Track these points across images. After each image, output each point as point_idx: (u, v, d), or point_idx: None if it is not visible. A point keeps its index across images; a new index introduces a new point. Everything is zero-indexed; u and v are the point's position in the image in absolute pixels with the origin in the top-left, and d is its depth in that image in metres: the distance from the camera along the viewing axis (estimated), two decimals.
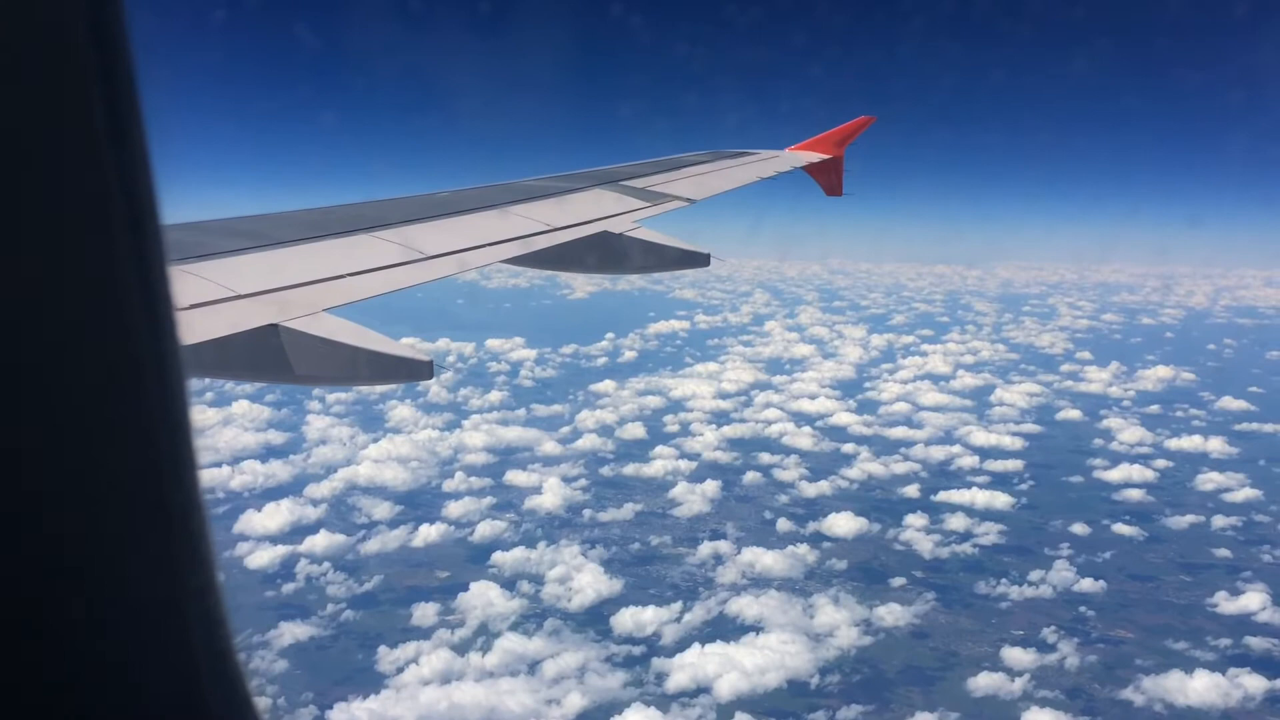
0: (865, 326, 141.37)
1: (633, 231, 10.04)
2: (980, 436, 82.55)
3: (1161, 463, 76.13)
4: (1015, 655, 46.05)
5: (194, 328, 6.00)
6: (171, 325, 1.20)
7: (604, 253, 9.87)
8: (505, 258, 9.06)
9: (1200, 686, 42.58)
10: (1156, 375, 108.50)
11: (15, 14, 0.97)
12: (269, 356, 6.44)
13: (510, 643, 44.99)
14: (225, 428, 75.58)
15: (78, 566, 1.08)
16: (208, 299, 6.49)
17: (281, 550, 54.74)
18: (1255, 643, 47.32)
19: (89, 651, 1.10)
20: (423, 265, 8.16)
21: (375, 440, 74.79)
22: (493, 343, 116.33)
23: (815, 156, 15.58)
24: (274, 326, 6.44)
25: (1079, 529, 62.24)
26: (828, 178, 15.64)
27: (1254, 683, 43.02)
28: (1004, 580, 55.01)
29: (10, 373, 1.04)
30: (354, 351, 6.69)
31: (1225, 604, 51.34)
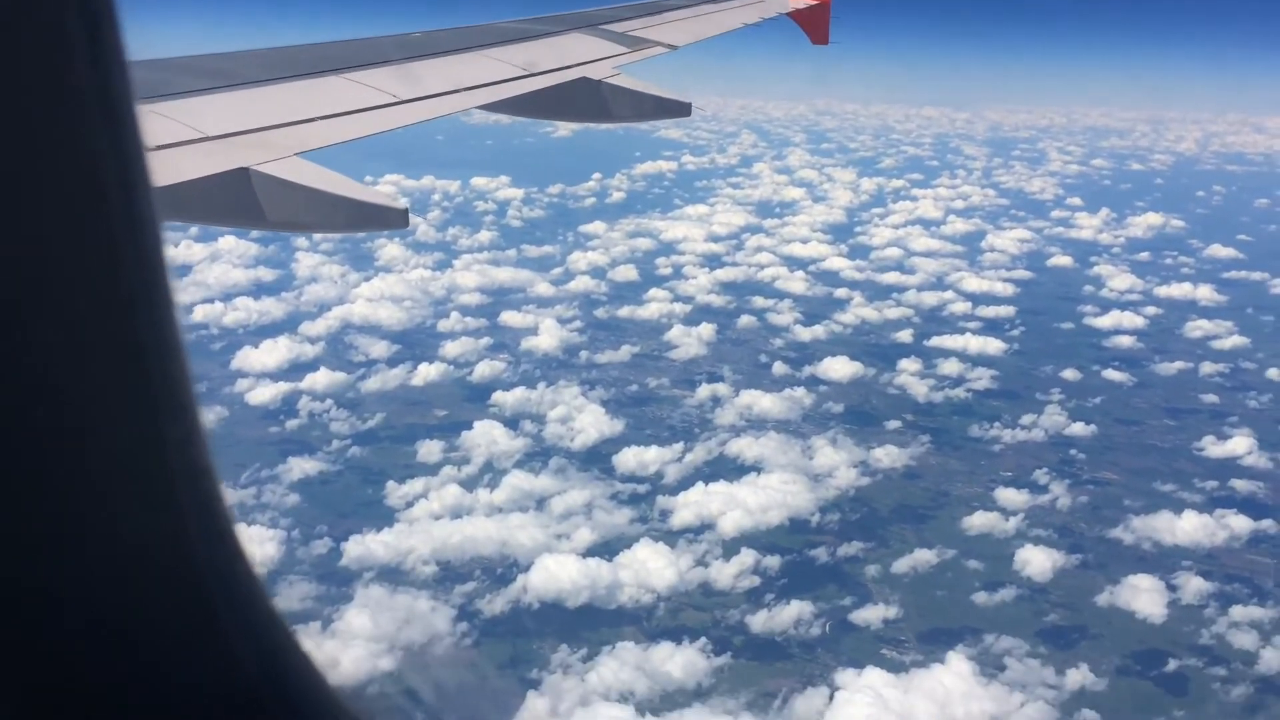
0: (854, 170, 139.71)
1: (612, 79, 9.59)
2: (972, 282, 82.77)
3: (1151, 310, 76.84)
4: (1009, 495, 47.24)
5: (161, 170, 5.66)
6: (139, 148, 1.10)
7: (582, 101, 9.52)
8: (481, 103, 8.77)
9: (1188, 527, 43.99)
10: (1146, 222, 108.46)
11: None
12: (240, 201, 6.20)
13: (517, 480, 45.60)
14: (213, 264, 74.51)
15: (49, 421, 1.05)
16: (175, 140, 6.19)
17: (283, 387, 54.70)
18: (1241, 485, 48.74)
19: (68, 507, 1.09)
20: (396, 109, 7.86)
21: (367, 279, 74.08)
22: (478, 181, 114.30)
23: (801, 1, 14.78)
24: (244, 171, 6.18)
25: (1069, 374, 63.12)
26: (814, 24, 14.84)
27: (1240, 523, 44.47)
28: (996, 424, 56.00)
29: None
30: (328, 198, 6.48)
31: (1212, 448, 52.61)
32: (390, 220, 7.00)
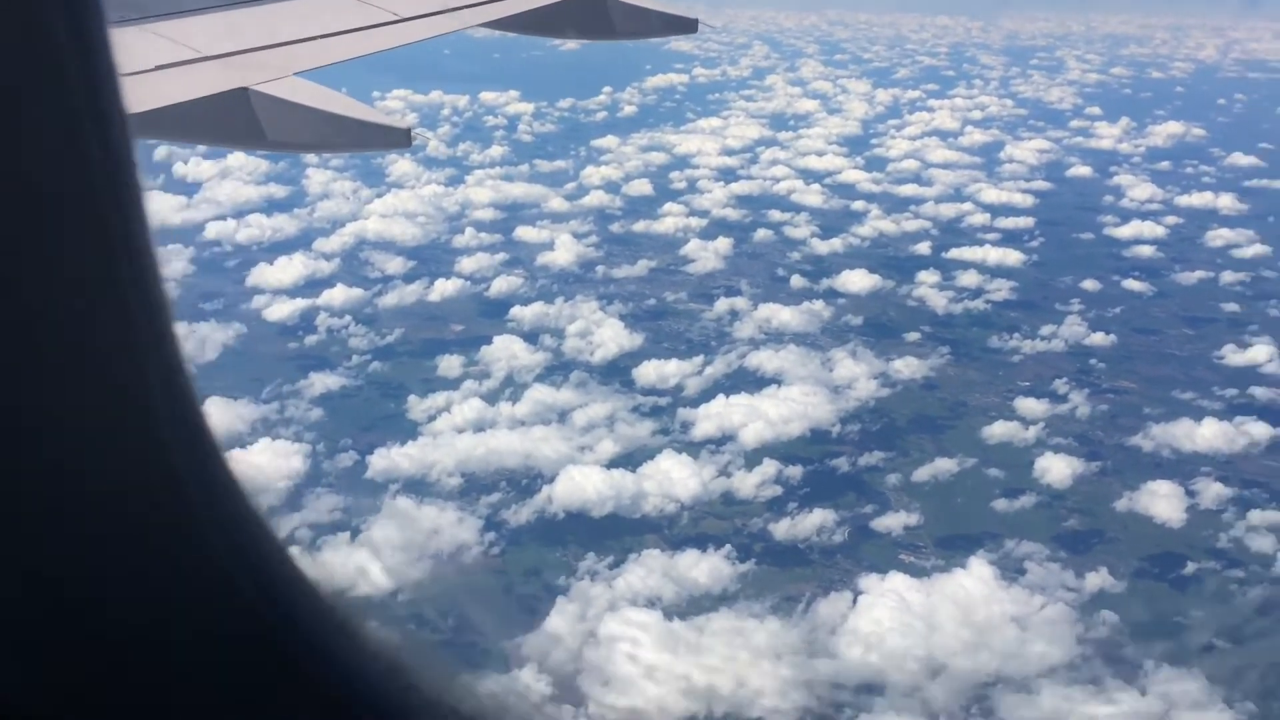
0: (869, 81, 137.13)
1: None
2: (990, 194, 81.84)
3: (1171, 219, 75.99)
4: (1028, 405, 47.32)
5: (158, 91, 5.68)
6: (113, 77, 1.13)
7: (587, 17, 9.36)
8: (484, 20, 8.62)
9: (1207, 434, 44.10)
10: (1166, 131, 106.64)
11: None
12: (239, 122, 6.13)
13: (538, 393, 45.81)
14: (223, 181, 74.06)
15: (14, 317, 1.06)
16: (171, 60, 6.09)
17: (300, 303, 54.73)
18: (1260, 393, 48.71)
19: (37, 412, 1.09)
20: (396, 28, 7.71)
21: (379, 195, 73.64)
22: (487, 96, 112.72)
23: None
24: (243, 91, 6.09)
25: (1089, 285, 62.72)
26: None
27: (1259, 429, 44.57)
28: (1015, 335, 55.88)
29: None
30: (329, 118, 6.40)
31: (1232, 356, 52.48)
32: (393, 140, 6.99)
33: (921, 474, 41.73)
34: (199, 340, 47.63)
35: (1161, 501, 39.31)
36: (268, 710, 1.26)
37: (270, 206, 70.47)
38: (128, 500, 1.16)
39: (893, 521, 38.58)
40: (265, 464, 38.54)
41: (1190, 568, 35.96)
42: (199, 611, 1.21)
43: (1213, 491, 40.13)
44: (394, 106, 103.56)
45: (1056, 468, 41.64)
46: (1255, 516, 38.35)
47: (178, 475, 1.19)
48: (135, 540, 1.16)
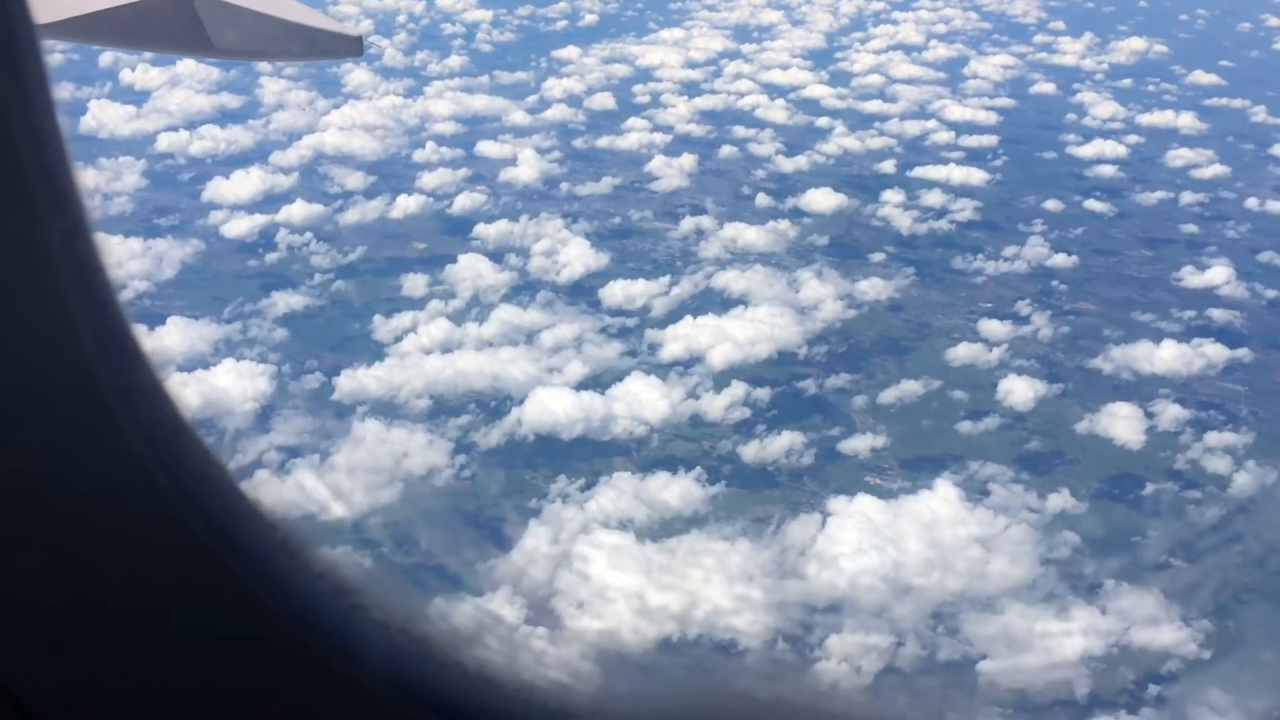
0: None
1: None
2: (954, 111, 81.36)
3: (1133, 138, 76.13)
4: (991, 327, 47.82)
5: None
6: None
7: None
8: None
9: (1166, 356, 44.92)
10: (1129, 47, 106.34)
11: None
12: (185, 27, 5.88)
13: (505, 314, 45.48)
14: (173, 89, 71.59)
15: None
16: None
17: (260, 219, 53.52)
18: (1218, 314, 49.55)
19: None
20: None
21: (336, 106, 71.64)
22: (444, 1, 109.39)
23: None
24: None
25: (1051, 205, 63.00)
26: None
27: (1216, 351, 45.46)
28: (979, 255, 56.17)
29: None
30: (277, 24, 6.17)
31: (1191, 278, 53.22)
32: (344, 48, 6.74)
33: (887, 396, 42.20)
34: (156, 257, 46.54)
35: (1121, 423, 40.15)
36: (214, 633, 1.26)
37: (223, 117, 68.37)
38: (48, 405, 1.14)
39: (859, 444, 39.09)
40: (230, 385, 38.06)
41: (1149, 489, 36.93)
42: (142, 546, 1.20)
43: (1171, 413, 41.03)
44: (348, 11, 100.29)
45: (1019, 390, 42.29)
46: (1212, 438, 39.34)
47: (97, 375, 1.15)
48: (70, 465, 1.14)
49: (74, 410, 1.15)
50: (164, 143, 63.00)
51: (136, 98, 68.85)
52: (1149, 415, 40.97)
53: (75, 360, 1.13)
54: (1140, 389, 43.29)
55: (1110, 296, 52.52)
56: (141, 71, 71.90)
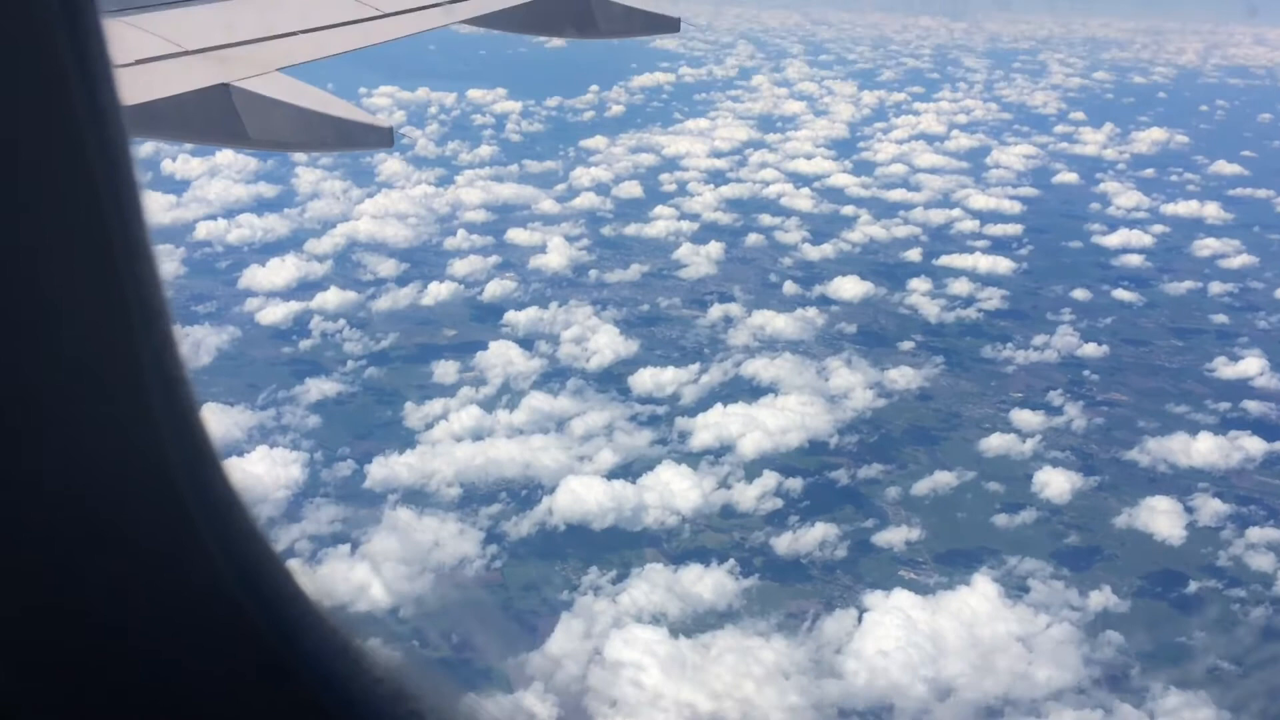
0: (855, 82, 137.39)
1: None
2: (978, 200, 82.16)
3: (1158, 228, 76.55)
4: (1024, 417, 47.48)
5: (139, 86, 5.55)
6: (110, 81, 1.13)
7: (570, 16, 9.37)
8: (466, 18, 8.56)
9: (1203, 448, 44.38)
10: (1150, 137, 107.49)
11: None
12: (221, 118, 6.05)
13: (536, 401, 45.54)
14: (212, 179, 73.25)
15: (16, 326, 1.06)
16: (152, 54, 5.97)
17: (294, 306, 54.18)
18: (1253, 406, 49.08)
19: (39, 420, 1.09)
20: (381, 23, 7.64)
21: (369, 195, 73.05)
22: (474, 93, 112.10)
23: None
24: (225, 86, 5.99)
25: (1079, 294, 63.07)
26: None
27: (1254, 444, 44.88)
28: (1008, 344, 56.06)
29: None
30: (311, 116, 6.31)
31: (1223, 369, 52.85)
32: (376, 139, 6.90)
33: (920, 487, 41.78)
34: (193, 344, 47.02)
35: (1160, 518, 39.52)
36: None
37: (260, 206, 69.76)
38: (124, 509, 1.14)
39: (893, 536, 38.60)
40: (263, 473, 38.10)
41: (1192, 586, 36.18)
42: (194, 627, 1.19)
43: (1210, 508, 40.39)
44: (381, 104, 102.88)
45: (1055, 482, 41.79)
46: (1254, 534, 38.64)
47: (176, 484, 1.16)
48: (130, 551, 1.15)
49: (158, 525, 1.16)
50: (202, 231, 64.20)
51: (177, 187, 70.47)
52: (1188, 509, 40.34)
53: (156, 461, 1.15)
54: (1178, 482, 42.71)
55: (1143, 387, 52.18)
56: (182, 161, 73.71)
